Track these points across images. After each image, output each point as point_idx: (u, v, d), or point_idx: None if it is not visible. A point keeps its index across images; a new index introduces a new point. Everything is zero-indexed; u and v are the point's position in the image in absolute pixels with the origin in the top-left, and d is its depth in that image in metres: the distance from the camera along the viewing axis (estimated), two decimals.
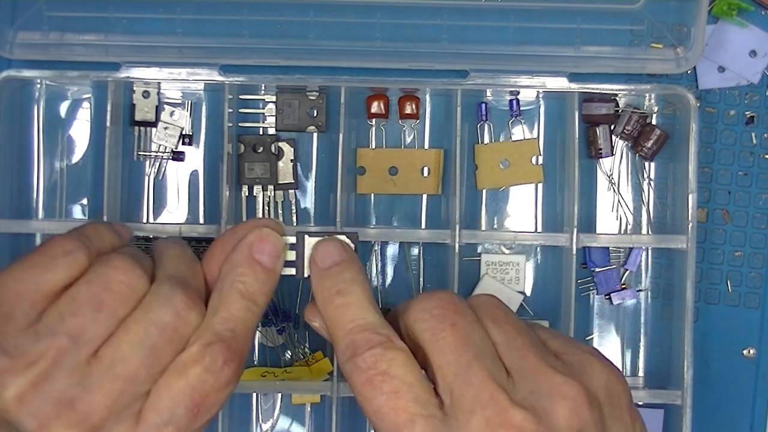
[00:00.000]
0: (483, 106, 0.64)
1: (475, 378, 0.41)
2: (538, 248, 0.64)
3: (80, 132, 0.64)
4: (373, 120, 0.64)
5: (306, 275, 0.47)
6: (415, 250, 0.64)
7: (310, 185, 0.65)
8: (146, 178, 0.64)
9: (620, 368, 0.59)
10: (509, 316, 0.44)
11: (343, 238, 0.47)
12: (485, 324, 0.43)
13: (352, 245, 0.47)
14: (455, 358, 0.41)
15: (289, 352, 0.64)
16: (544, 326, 0.54)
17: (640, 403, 0.62)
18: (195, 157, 0.64)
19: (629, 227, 0.64)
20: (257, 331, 0.64)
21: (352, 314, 0.44)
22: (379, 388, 0.41)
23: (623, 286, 0.64)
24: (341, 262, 0.46)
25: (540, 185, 0.64)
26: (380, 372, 0.41)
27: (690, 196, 0.60)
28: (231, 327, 0.44)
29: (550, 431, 0.40)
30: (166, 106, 0.64)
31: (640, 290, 0.65)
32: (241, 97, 0.64)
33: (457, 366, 0.41)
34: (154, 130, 0.64)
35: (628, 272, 0.64)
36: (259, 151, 0.64)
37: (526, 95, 0.64)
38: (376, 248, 0.64)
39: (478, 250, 0.64)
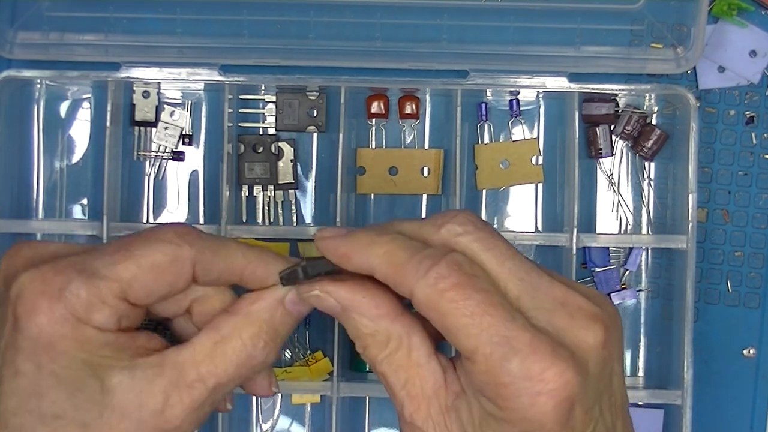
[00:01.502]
0: (483, 106, 0.64)
1: None
2: (538, 248, 0.64)
3: (80, 132, 0.64)
4: (373, 120, 0.64)
5: None
6: None
7: (310, 185, 0.64)
8: (146, 178, 0.64)
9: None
10: None
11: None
12: None
13: None
14: None
15: (289, 352, 0.64)
16: None
17: (640, 403, 0.62)
18: (195, 157, 0.64)
19: (629, 227, 0.64)
20: None
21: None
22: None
23: (623, 286, 0.64)
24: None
25: (540, 185, 0.64)
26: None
27: (690, 196, 0.60)
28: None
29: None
30: (166, 106, 0.64)
31: (640, 290, 0.64)
32: (241, 97, 0.64)
33: None
34: (154, 130, 0.64)
35: (628, 272, 0.64)
36: (259, 151, 0.64)
37: (526, 95, 0.64)
38: None
39: None
